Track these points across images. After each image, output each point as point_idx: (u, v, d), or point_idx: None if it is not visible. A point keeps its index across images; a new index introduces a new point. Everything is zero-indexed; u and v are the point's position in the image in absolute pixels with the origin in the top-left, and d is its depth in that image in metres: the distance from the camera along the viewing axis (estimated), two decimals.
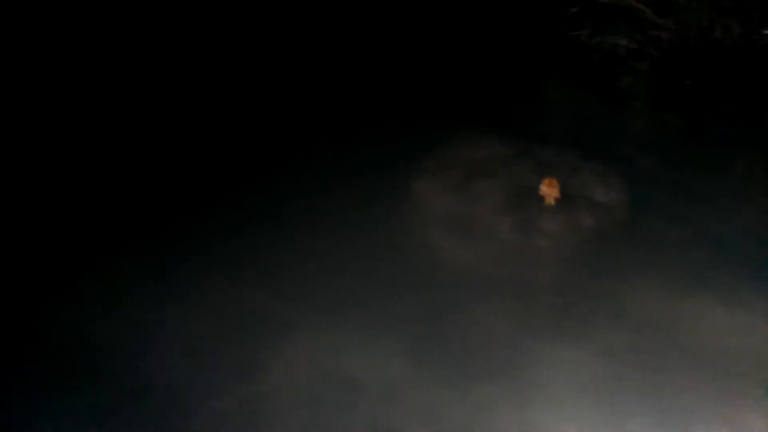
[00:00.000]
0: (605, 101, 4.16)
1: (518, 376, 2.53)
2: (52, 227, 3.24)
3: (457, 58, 4.50)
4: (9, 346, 2.67)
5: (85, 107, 4.03)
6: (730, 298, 2.86)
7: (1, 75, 4.18)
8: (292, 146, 3.81)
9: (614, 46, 4.72)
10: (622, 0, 5.08)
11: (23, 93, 4.09)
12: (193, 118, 3.97)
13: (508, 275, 3.02)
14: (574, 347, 2.66)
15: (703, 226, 3.23)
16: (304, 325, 2.72)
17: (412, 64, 4.42)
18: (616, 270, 3.01)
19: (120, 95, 4.13)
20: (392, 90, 4.21)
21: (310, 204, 3.38)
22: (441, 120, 3.97)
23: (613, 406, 2.43)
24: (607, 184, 3.43)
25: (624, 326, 2.75)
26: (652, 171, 3.57)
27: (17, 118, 3.91)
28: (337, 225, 3.26)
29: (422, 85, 4.26)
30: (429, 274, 3.04)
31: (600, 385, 2.49)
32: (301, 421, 2.37)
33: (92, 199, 3.40)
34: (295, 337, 2.67)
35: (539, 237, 3.17)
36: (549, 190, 3.31)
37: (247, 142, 3.83)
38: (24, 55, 4.38)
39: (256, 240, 3.15)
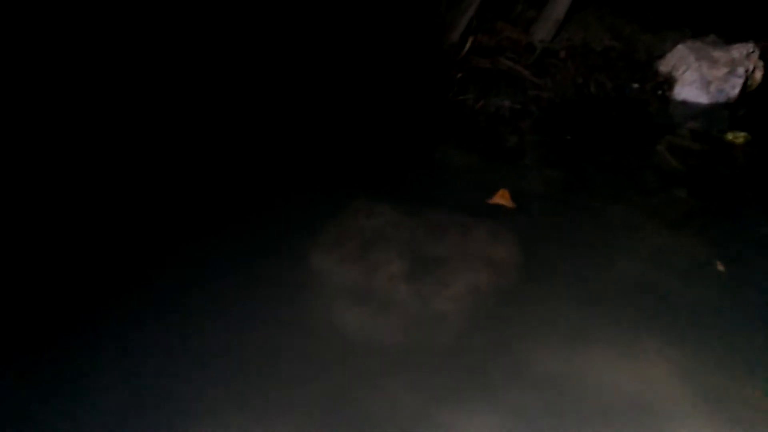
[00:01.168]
0: (493, 160, 4.29)
1: None
2: None
3: (349, 127, 4.54)
4: None
5: None
6: (623, 347, 2.92)
7: None
8: (184, 232, 3.66)
9: (498, 108, 4.94)
10: (502, 64, 5.37)
11: None
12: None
13: (410, 344, 2.96)
14: (480, 411, 2.60)
15: (592, 277, 3.32)
16: (206, 416, 2.54)
17: (301, 136, 4.41)
18: (515, 327, 3.02)
19: None
20: (283, 164, 4.16)
21: (208, 290, 3.22)
22: (336, 190, 3.95)
23: None
24: (500, 241, 3.49)
25: (527, 384, 2.72)
26: (540, 225, 3.67)
27: None
28: (238, 309, 3.11)
29: (314, 156, 4.25)
30: (333, 350, 2.92)
31: None
32: None
33: None
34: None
35: (438, 301, 3.14)
36: (503, 200, 3.75)
37: (136, 230, 3.64)
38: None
39: (154, 334, 2.96)
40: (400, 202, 3.76)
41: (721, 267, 3.41)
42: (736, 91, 5.37)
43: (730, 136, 4.74)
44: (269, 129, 4.40)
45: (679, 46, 5.57)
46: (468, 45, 5.33)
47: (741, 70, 5.39)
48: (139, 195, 3.80)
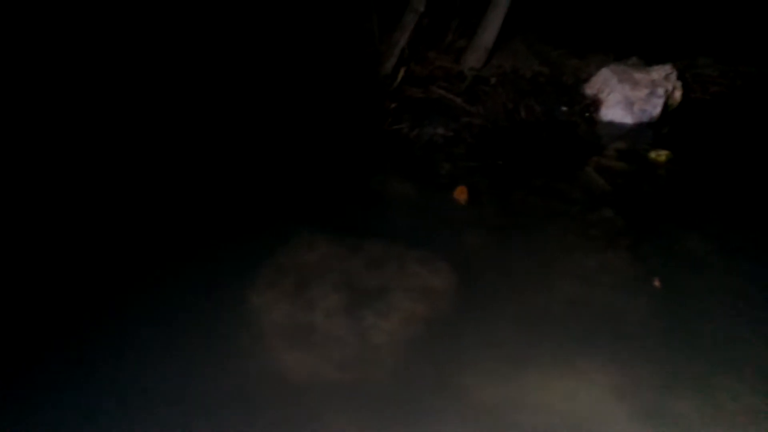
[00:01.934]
0: (427, 189, 4.34)
1: None
2: None
3: (286, 160, 4.52)
4: None
5: None
6: (560, 368, 2.97)
7: None
8: (117, 271, 3.54)
9: (432, 136, 5.01)
10: (434, 92, 5.48)
11: None
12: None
13: (350, 379, 2.94)
14: None
15: (528, 299, 3.39)
16: None
17: (237, 170, 4.36)
18: (453, 355, 3.05)
19: None
20: (218, 199, 4.09)
21: (140, 333, 3.12)
22: (274, 224, 3.91)
23: None
24: (437, 270, 3.52)
25: (466, 414, 2.75)
26: (476, 251, 3.72)
27: None
28: (172, 353, 3.03)
29: (250, 190, 4.20)
30: (271, 390, 2.89)
31: None
32: None
33: None
34: None
35: (376, 334, 3.14)
36: (460, 196, 4.13)
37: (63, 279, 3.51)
38: None
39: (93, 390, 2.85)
40: (338, 234, 3.76)
41: (657, 283, 3.52)
42: (658, 110, 5.62)
43: (653, 154, 4.94)
44: (203, 162, 4.34)
45: (603, 70, 5.80)
46: (401, 75, 5.41)
47: (661, 91, 5.64)
48: (71, 228, 3.68)
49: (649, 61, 5.94)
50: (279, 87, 4.98)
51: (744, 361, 3.02)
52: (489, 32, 5.73)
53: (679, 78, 5.87)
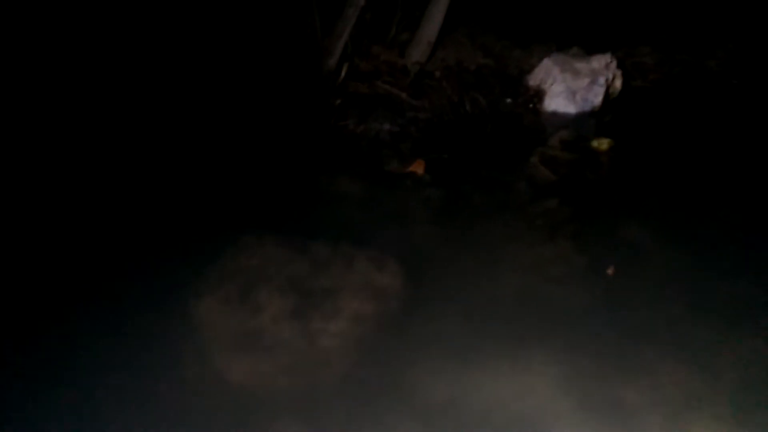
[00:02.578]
0: (375, 185, 4.31)
1: None
2: None
3: (230, 161, 4.41)
4: None
5: None
6: (510, 362, 2.99)
7: None
8: (60, 280, 3.40)
9: (378, 132, 4.98)
10: (379, 87, 5.44)
11: None
12: None
13: (298, 385, 2.90)
14: None
15: (476, 293, 3.39)
16: None
17: (179, 172, 4.23)
18: (402, 354, 3.03)
19: None
20: (160, 203, 3.97)
21: (87, 348, 3.01)
22: (218, 228, 3.82)
23: None
24: (385, 268, 3.49)
25: (416, 414, 2.73)
26: (422, 248, 3.71)
27: None
28: (116, 364, 2.93)
29: (193, 193, 4.09)
30: (218, 399, 2.82)
31: None
32: None
33: None
34: None
35: (324, 337, 3.09)
36: (417, 168, 4.39)
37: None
38: None
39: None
40: (284, 235, 3.69)
41: (611, 272, 3.57)
42: (599, 99, 5.71)
43: (595, 143, 5.02)
44: (143, 165, 4.21)
45: (545, 60, 5.86)
46: (344, 70, 5.35)
47: (602, 80, 5.74)
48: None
49: (590, 50, 6.03)
50: (219, 87, 4.86)
51: (687, 346, 3.09)
52: (431, 26, 5.72)
53: (619, 66, 5.97)
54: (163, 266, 3.51)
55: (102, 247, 3.61)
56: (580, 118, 5.60)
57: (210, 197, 4.07)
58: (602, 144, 5.00)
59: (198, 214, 3.92)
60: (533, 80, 5.83)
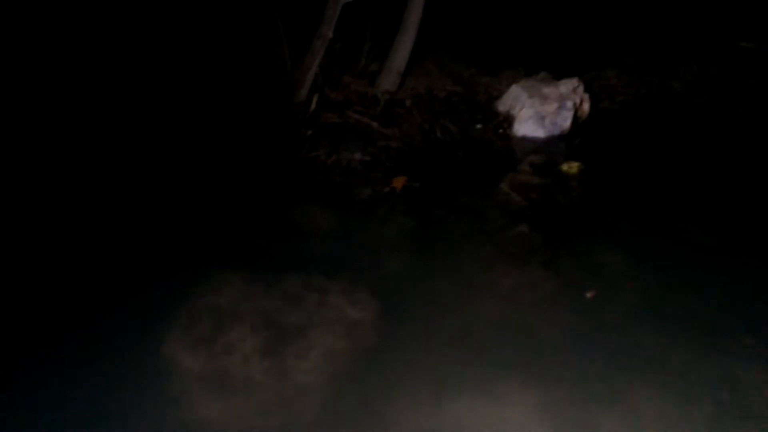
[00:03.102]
0: (347, 216, 4.29)
1: None
2: None
3: (200, 196, 4.36)
4: None
5: None
6: (486, 390, 2.96)
7: None
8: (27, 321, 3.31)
9: (350, 161, 4.98)
10: (350, 117, 5.46)
11: None
12: None
13: (272, 425, 2.84)
14: None
15: (451, 323, 3.37)
16: None
17: (149, 208, 4.17)
18: (378, 388, 2.99)
19: None
20: (129, 240, 3.90)
21: (48, 386, 2.93)
22: (187, 265, 3.76)
23: None
24: (358, 301, 3.46)
25: None
26: (396, 278, 3.69)
27: None
28: (83, 408, 2.85)
29: (163, 229, 4.02)
30: None
31: None
32: None
33: None
34: None
35: (298, 375, 3.04)
36: (397, 184, 4.56)
37: None
38: None
39: None
40: (255, 271, 3.64)
41: (590, 295, 3.57)
42: (568, 123, 5.79)
43: (565, 167, 5.07)
44: (109, 198, 4.15)
45: (513, 86, 5.94)
46: (315, 101, 5.36)
47: (570, 104, 5.82)
48: None
49: (558, 75, 6.13)
50: (189, 120, 4.83)
51: (661, 370, 3.09)
52: (400, 55, 5.78)
53: (587, 90, 6.08)
54: (131, 307, 3.44)
55: (66, 287, 3.52)
56: (550, 142, 5.67)
57: (180, 232, 4.01)
58: (572, 168, 5.05)
59: (167, 249, 3.87)
60: (502, 106, 5.91)
